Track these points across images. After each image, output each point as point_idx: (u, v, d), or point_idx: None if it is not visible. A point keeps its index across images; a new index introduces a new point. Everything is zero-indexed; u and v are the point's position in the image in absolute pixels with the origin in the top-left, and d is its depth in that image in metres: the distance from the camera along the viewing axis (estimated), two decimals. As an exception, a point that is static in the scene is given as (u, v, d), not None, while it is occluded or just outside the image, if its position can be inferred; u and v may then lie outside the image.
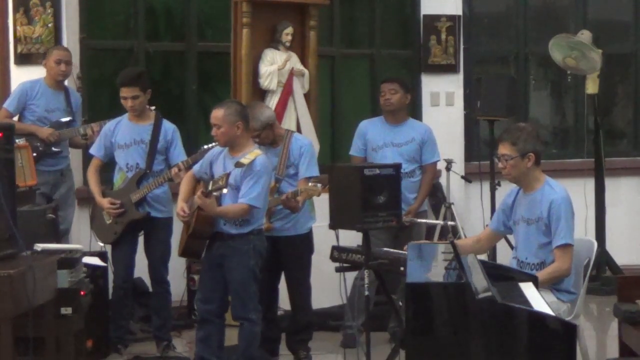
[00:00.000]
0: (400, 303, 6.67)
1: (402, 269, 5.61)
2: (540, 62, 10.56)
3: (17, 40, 8.08)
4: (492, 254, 8.39)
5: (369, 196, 5.76)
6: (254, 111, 6.62)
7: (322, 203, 6.58)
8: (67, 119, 7.61)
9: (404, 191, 6.91)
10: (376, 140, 7.50)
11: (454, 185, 9.06)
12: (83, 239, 7.48)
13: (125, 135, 7.11)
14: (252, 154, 6.23)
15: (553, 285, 5.72)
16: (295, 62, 8.28)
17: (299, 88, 8.31)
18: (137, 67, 8.13)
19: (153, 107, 7.17)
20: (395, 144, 7.48)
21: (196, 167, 6.60)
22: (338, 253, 6.08)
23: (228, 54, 8.20)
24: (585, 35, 9.31)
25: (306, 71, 8.35)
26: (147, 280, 7.50)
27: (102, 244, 7.25)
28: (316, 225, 6.97)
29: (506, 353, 4.31)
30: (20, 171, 6.47)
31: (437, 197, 9.22)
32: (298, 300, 6.99)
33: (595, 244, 6.21)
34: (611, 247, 9.42)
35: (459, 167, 9.25)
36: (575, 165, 10.02)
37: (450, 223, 8.52)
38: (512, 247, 6.20)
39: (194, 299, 7.36)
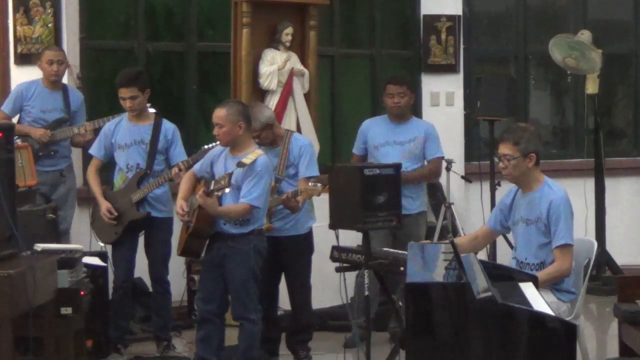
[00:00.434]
0: (400, 303, 6.67)
1: (402, 269, 5.61)
2: (540, 62, 10.57)
3: (17, 40, 8.08)
4: (492, 254, 8.40)
5: (369, 196, 5.76)
6: (253, 111, 6.62)
7: (322, 203, 6.58)
8: (62, 118, 7.60)
9: (404, 190, 6.92)
10: (377, 138, 7.50)
11: (454, 185, 9.06)
12: (83, 239, 7.48)
13: (125, 135, 7.11)
14: (254, 154, 6.23)
15: (553, 285, 5.72)
16: (295, 62, 8.28)
17: (299, 88, 8.31)
18: (136, 67, 8.12)
19: (149, 105, 7.17)
20: (398, 142, 7.48)
21: (196, 167, 6.60)
22: (338, 253, 6.08)
23: (228, 54, 8.20)
24: (585, 35, 9.31)
25: (306, 71, 8.35)
26: (147, 280, 7.50)
27: (102, 244, 7.25)
28: (316, 225, 6.97)
29: (506, 353, 4.31)
30: (20, 171, 6.48)
31: (437, 197, 9.22)
32: (298, 300, 6.99)
33: (595, 244, 6.22)
34: (611, 247, 9.42)
35: (459, 167, 9.24)
36: (575, 165, 10.02)
37: (444, 222, 8.54)
38: (512, 247, 6.20)
39: (194, 299, 7.37)
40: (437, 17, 9.81)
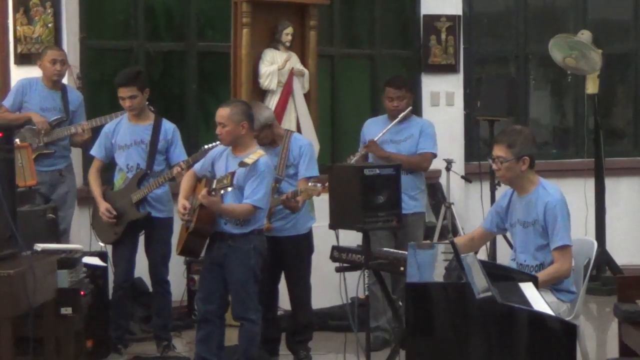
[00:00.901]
0: (400, 303, 6.67)
1: (402, 269, 5.62)
2: (540, 62, 10.56)
3: (17, 40, 8.09)
4: (492, 254, 8.40)
5: (369, 196, 5.76)
6: (253, 111, 6.61)
7: (322, 203, 6.58)
8: (60, 118, 7.60)
9: (403, 189, 6.93)
10: (376, 136, 7.46)
11: (454, 185, 9.06)
12: (83, 239, 7.49)
13: (125, 136, 7.12)
14: (256, 154, 6.23)
15: (552, 285, 5.72)
16: (295, 62, 8.28)
17: (299, 88, 8.31)
18: (135, 66, 8.13)
19: (148, 103, 7.17)
20: (395, 141, 7.46)
21: (197, 166, 6.60)
22: (338, 253, 6.08)
23: (228, 54, 8.20)
24: (585, 35, 9.31)
25: (306, 71, 8.35)
26: (147, 280, 7.51)
27: (102, 244, 7.26)
28: (316, 225, 6.97)
29: (506, 353, 4.31)
30: (20, 171, 6.47)
31: (437, 197, 9.23)
32: (298, 300, 6.99)
33: (595, 244, 6.21)
34: (611, 247, 9.41)
35: (459, 167, 9.25)
36: (575, 165, 10.01)
37: (444, 222, 8.54)
38: (512, 247, 6.20)
39: (194, 299, 7.37)
40: (437, 17, 9.82)
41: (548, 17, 10.57)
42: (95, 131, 7.45)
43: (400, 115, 7.39)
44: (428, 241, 7.19)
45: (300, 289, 6.97)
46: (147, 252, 7.19)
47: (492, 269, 5.15)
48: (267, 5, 8.20)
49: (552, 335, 4.27)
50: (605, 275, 9.29)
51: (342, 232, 6.08)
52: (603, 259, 9.24)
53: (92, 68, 8.59)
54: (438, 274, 4.96)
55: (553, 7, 10.69)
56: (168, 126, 7.19)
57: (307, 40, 8.42)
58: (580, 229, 9.00)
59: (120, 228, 7.06)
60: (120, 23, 8.91)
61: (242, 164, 6.16)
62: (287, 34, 8.20)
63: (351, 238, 6.15)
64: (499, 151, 5.74)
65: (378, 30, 9.84)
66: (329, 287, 6.76)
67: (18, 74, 8.04)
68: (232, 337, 6.64)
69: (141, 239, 7.21)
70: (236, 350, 6.50)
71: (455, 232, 8.63)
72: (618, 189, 10.06)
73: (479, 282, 4.56)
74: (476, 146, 9.99)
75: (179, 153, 7.13)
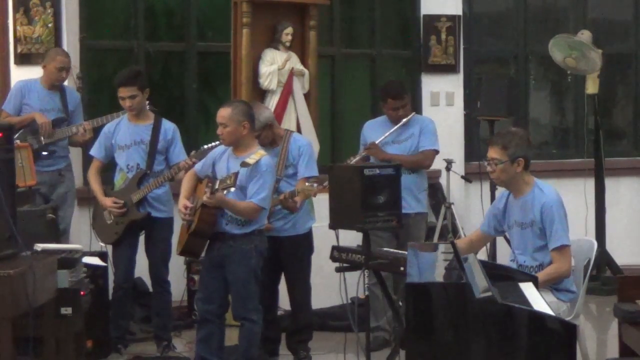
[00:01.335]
0: (400, 303, 6.68)
1: (402, 269, 5.61)
2: (540, 62, 10.57)
3: (17, 40, 8.08)
4: (492, 254, 8.40)
5: (369, 196, 5.76)
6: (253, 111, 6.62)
7: (322, 203, 6.58)
8: (61, 118, 7.60)
9: (406, 188, 6.94)
10: (377, 138, 7.45)
11: (454, 185, 9.06)
12: (83, 239, 7.48)
13: (125, 136, 7.12)
14: (257, 154, 6.23)
15: (552, 284, 5.71)
16: (295, 62, 8.28)
17: (299, 88, 8.31)
18: (135, 66, 8.13)
19: (148, 103, 7.17)
20: (396, 141, 7.45)
21: (198, 166, 6.60)
22: (338, 253, 6.08)
23: (228, 54, 8.20)
24: (585, 35, 9.31)
25: (306, 71, 8.35)
26: (147, 280, 7.51)
27: (102, 244, 7.25)
28: (316, 225, 6.97)
29: (506, 353, 4.31)
30: (20, 171, 6.46)
31: (437, 197, 9.22)
32: (298, 301, 6.99)
33: (595, 244, 6.21)
34: (611, 247, 9.41)
35: (459, 167, 9.24)
36: (575, 165, 10.01)
37: (444, 222, 8.54)
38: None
39: (194, 299, 7.37)
40: (437, 17, 9.81)
41: (548, 17, 10.57)
42: (96, 131, 7.45)
43: (404, 120, 7.40)
44: (429, 242, 7.20)
45: (300, 289, 6.97)
46: (147, 252, 7.19)
47: (492, 269, 5.15)
48: (267, 5, 8.19)
49: (552, 335, 4.28)
50: (605, 275, 9.29)
51: (342, 232, 6.08)
52: (603, 259, 9.24)
53: (92, 68, 8.59)
54: (438, 274, 4.96)
55: (553, 7, 10.69)
56: (168, 126, 7.19)
57: (307, 40, 8.42)
58: (580, 229, 9.00)
59: (120, 228, 7.06)
60: (120, 23, 8.90)
61: (244, 164, 6.16)
62: (287, 34, 8.21)
63: (351, 238, 6.15)
64: (493, 153, 5.74)
65: (378, 30, 9.83)
66: (329, 287, 6.77)
67: (18, 74, 8.04)
68: (232, 337, 6.65)
69: (141, 239, 7.21)
70: (236, 350, 6.51)
71: (455, 232, 8.63)
72: (618, 189, 10.06)
73: (479, 282, 4.56)
74: (476, 146, 9.98)
75: (179, 153, 7.13)
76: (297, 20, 8.36)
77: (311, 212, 7.02)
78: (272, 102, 8.16)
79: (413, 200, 7.39)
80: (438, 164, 8.19)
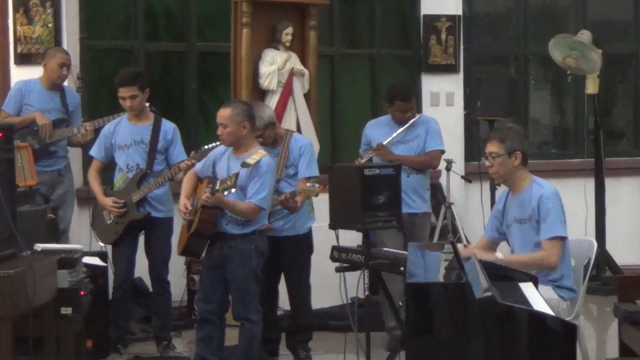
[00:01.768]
0: (400, 303, 6.67)
1: (402, 269, 5.61)
2: (540, 62, 10.56)
3: (17, 40, 8.08)
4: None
5: (369, 196, 5.76)
6: (256, 110, 6.61)
7: (322, 203, 6.58)
8: (62, 118, 7.60)
9: (413, 188, 6.94)
10: (384, 139, 7.41)
11: (454, 185, 9.06)
12: (83, 239, 7.49)
13: (125, 136, 7.11)
14: (258, 154, 6.23)
15: (554, 282, 5.71)
16: (295, 62, 8.28)
17: (299, 88, 8.31)
18: (135, 66, 8.12)
19: (149, 105, 7.17)
20: (403, 141, 7.45)
21: (198, 166, 6.60)
22: (338, 253, 6.08)
23: (228, 54, 8.20)
24: (585, 35, 9.31)
25: (306, 71, 8.35)
26: (147, 280, 7.51)
27: (102, 244, 7.25)
28: (316, 225, 6.97)
29: (506, 353, 4.31)
30: (20, 171, 6.47)
31: (437, 197, 9.22)
32: (298, 301, 6.99)
33: (595, 244, 6.21)
34: (611, 247, 9.41)
35: (459, 167, 9.24)
36: (575, 165, 10.02)
37: (444, 222, 8.54)
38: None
39: (194, 299, 7.37)
40: (437, 17, 9.81)
41: (548, 17, 10.57)
42: (97, 132, 7.45)
43: (412, 121, 7.40)
44: (429, 242, 7.20)
45: (300, 289, 6.97)
46: (147, 252, 7.18)
47: (492, 269, 5.15)
48: (267, 5, 8.20)
49: (552, 335, 4.28)
50: (605, 275, 9.29)
51: (342, 232, 6.08)
52: (603, 259, 9.24)
53: (92, 68, 8.59)
54: (438, 274, 4.96)
55: (553, 7, 10.69)
56: (168, 126, 7.19)
57: (307, 40, 8.42)
58: (580, 229, 9.00)
59: (120, 228, 7.06)
60: (120, 23, 8.90)
61: (244, 165, 6.16)
62: (287, 34, 8.21)
63: (351, 238, 6.15)
64: (491, 147, 5.78)
65: (378, 30, 9.83)
66: (329, 287, 6.77)
67: (18, 74, 8.04)
68: (232, 337, 6.64)
69: (141, 239, 7.21)
70: (236, 350, 6.51)
71: (455, 232, 8.63)
72: (618, 189, 10.06)
73: (479, 282, 4.56)
74: (476, 146, 9.98)
75: (179, 153, 7.13)
76: (297, 20, 8.36)
77: (311, 212, 7.02)
78: (272, 102, 8.16)
79: (420, 200, 7.42)
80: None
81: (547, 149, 10.64)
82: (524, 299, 4.74)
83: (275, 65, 8.18)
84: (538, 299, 4.82)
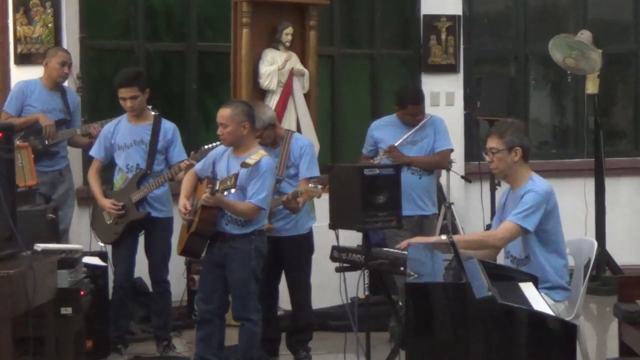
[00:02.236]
0: (400, 303, 6.67)
1: (402, 269, 5.61)
2: (540, 62, 10.57)
3: (17, 40, 8.09)
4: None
5: (369, 196, 5.75)
6: (256, 111, 6.61)
7: (322, 203, 6.58)
8: (63, 119, 7.60)
9: (426, 190, 6.93)
10: (393, 140, 7.38)
11: (454, 185, 9.06)
12: (83, 239, 7.49)
13: (125, 136, 7.11)
14: (258, 154, 6.23)
15: (542, 286, 5.64)
16: (295, 62, 8.29)
17: (299, 88, 8.31)
18: (135, 67, 8.12)
19: (150, 107, 7.17)
20: (412, 142, 7.43)
21: (198, 166, 6.60)
22: (338, 253, 6.08)
23: (228, 54, 8.20)
24: (585, 35, 9.31)
25: (306, 71, 8.36)
26: (147, 280, 7.51)
27: (102, 244, 7.26)
28: (316, 225, 6.97)
29: (506, 353, 4.31)
30: (20, 171, 6.47)
31: (437, 197, 9.21)
32: (298, 300, 6.99)
33: (595, 244, 6.20)
34: (611, 247, 9.41)
35: (459, 167, 9.25)
36: (575, 165, 10.02)
37: (444, 222, 8.53)
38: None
39: (194, 299, 7.37)
40: (437, 17, 9.82)
41: (548, 17, 10.57)
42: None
43: (422, 122, 7.40)
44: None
45: (300, 289, 6.97)
46: (147, 252, 7.18)
47: (492, 269, 5.15)
48: (267, 5, 8.20)
49: (552, 335, 4.28)
50: (605, 275, 9.29)
51: (342, 232, 6.08)
52: (603, 259, 9.24)
53: (92, 68, 8.59)
54: (438, 274, 4.96)
55: (553, 7, 10.70)
56: (168, 126, 7.19)
57: (307, 40, 8.42)
58: (580, 229, 9.00)
59: (120, 228, 7.06)
60: (120, 23, 8.90)
61: (244, 165, 6.16)
62: (287, 34, 8.21)
63: (351, 238, 6.15)
64: (491, 142, 5.76)
65: (378, 30, 9.84)
66: (329, 287, 6.77)
67: (18, 74, 8.04)
68: (232, 337, 6.64)
69: (141, 239, 7.21)
70: (236, 350, 6.50)
71: (455, 232, 8.62)
72: (618, 189, 10.06)
73: (479, 282, 4.56)
74: (476, 146, 9.97)
75: (179, 153, 7.13)
76: (297, 20, 8.36)
77: (312, 212, 7.02)
78: (272, 102, 8.17)
79: (430, 201, 7.42)
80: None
81: (547, 149, 10.65)
82: (524, 299, 4.74)
83: (275, 65, 8.18)
84: (538, 299, 4.82)
